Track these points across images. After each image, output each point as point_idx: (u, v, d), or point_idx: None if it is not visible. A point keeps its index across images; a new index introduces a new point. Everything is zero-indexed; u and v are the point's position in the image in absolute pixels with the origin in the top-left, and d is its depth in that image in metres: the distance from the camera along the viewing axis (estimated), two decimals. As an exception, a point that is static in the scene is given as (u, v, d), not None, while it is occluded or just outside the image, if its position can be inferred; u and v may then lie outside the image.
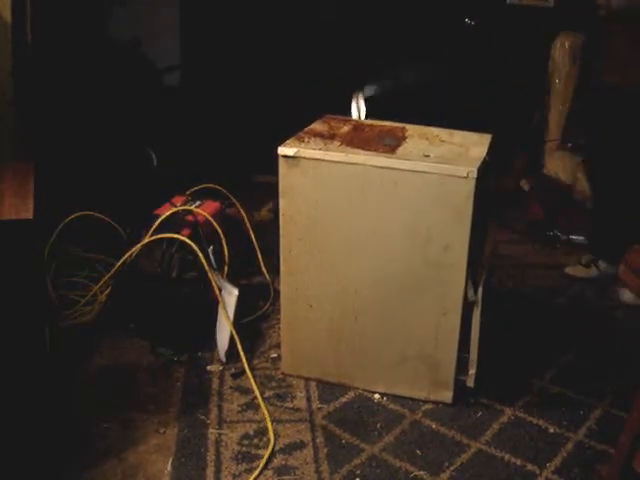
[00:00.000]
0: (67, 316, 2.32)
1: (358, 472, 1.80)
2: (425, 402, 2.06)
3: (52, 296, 2.32)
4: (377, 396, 2.08)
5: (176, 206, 2.39)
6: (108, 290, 2.35)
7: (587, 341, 2.41)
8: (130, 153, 2.74)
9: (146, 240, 2.26)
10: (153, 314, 2.20)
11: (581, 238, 3.02)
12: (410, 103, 3.42)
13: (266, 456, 1.83)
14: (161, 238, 2.25)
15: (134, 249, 2.27)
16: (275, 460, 1.83)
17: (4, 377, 1.65)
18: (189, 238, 2.23)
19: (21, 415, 1.70)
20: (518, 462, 1.88)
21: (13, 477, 1.69)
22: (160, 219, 2.30)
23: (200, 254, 2.17)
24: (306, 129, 2.14)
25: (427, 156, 1.95)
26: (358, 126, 2.22)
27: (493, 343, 2.30)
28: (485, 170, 1.94)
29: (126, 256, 2.28)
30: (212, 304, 2.19)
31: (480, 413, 2.04)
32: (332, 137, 2.07)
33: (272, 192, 3.14)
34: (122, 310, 2.28)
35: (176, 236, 2.24)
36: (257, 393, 2.04)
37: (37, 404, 1.72)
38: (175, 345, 2.13)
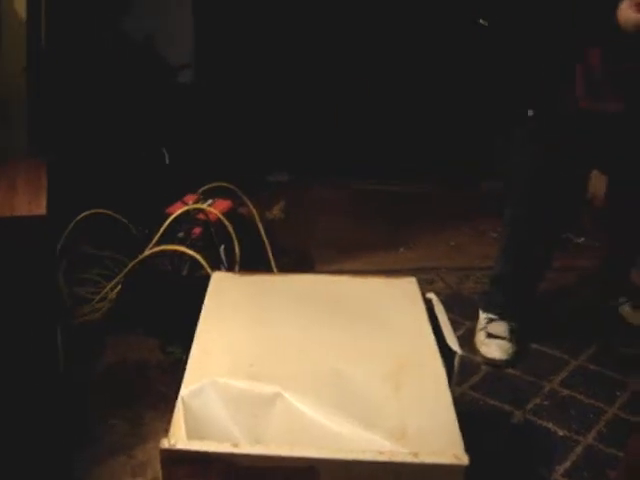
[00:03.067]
0: (78, 313, 2.33)
1: None
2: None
3: (64, 293, 2.33)
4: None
5: (188, 204, 2.39)
6: (119, 288, 2.36)
7: (599, 345, 2.39)
8: (142, 151, 2.74)
9: (159, 248, 2.27)
10: (163, 312, 2.21)
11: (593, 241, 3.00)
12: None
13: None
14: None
15: (151, 251, 2.27)
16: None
17: (15, 374, 1.66)
18: (200, 236, 2.24)
19: (31, 411, 1.71)
20: (528, 466, 1.87)
21: (23, 473, 1.70)
22: (171, 217, 2.31)
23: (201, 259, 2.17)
24: None
25: None
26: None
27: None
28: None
29: (141, 257, 2.29)
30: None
31: (489, 415, 2.04)
32: None
33: (284, 191, 3.19)
34: (132, 308, 2.29)
35: (182, 249, 2.24)
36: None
37: (47, 401, 1.72)
38: (185, 344, 2.13)
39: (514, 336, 2.32)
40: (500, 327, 2.31)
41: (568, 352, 2.34)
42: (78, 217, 2.44)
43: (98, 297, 2.38)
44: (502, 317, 2.32)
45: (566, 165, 2.16)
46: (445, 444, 1.29)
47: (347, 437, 1.30)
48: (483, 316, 2.36)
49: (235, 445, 1.27)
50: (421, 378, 1.45)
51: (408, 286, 1.77)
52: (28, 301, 1.64)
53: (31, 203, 1.67)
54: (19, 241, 1.59)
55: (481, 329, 2.33)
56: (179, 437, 1.29)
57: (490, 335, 2.29)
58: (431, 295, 1.73)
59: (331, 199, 3.25)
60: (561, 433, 1.99)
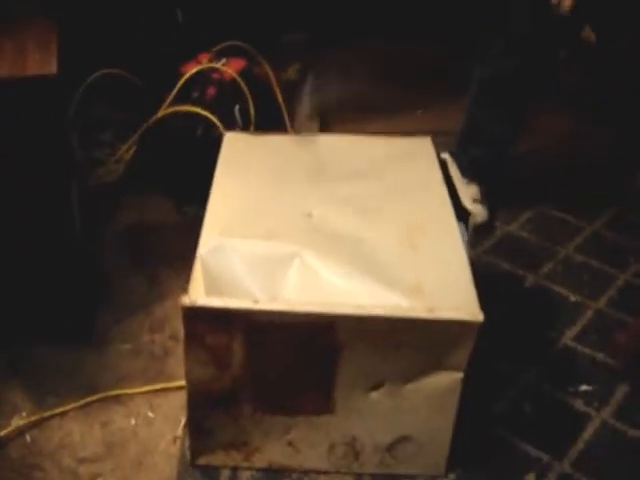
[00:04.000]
0: (94, 175, 2.33)
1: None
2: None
3: (79, 155, 2.32)
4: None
5: (202, 64, 2.34)
6: (134, 149, 2.35)
7: (615, 211, 2.37)
8: (155, 9, 2.66)
9: (174, 109, 2.24)
10: (178, 172, 2.20)
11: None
12: None
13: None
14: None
15: (166, 112, 2.24)
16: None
17: (32, 236, 1.68)
18: (215, 96, 2.21)
19: (51, 272, 1.73)
20: (538, 329, 1.91)
21: (48, 332, 1.75)
22: (185, 77, 2.27)
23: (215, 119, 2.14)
24: None
25: None
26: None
27: (520, 210, 2.29)
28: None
29: (156, 118, 2.26)
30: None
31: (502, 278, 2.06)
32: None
33: (299, 52, 3.10)
34: (148, 169, 2.28)
35: (196, 110, 2.20)
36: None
37: (66, 262, 1.75)
38: (200, 203, 2.13)
39: (485, 197, 2.29)
40: (473, 190, 2.27)
41: (584, 218, 2.33)
42: (90, 78, 2.39)
43: (113, 159, 2.38)
44: (472, 179, 2.28)
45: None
46: (461, 301, 1.31)
47: (364, 294, 1.32)
48: None
49: (255, 301, 1.29)
50: (437, 238, 1.46)
51: (423, 146, 1.75)
52: (42, 162, 1.63)
53: (42, 63, 1.62)
54: (31, 101, 1.56)
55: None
56: (199, 294, 1.31)
57: None
58: (445, 155, 1.71)
59: (347, 60, 3.16)
60: (573, 298, 2.01)
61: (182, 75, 2.29)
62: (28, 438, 1.56)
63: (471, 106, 2.27)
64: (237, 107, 2.23)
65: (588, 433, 1.64)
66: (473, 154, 2.25)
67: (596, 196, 2.43)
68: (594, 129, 2.76)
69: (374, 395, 1.39)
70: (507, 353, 1.81)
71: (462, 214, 1.54)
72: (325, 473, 1.50)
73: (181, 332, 1.33)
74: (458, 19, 3.22)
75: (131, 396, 1.67)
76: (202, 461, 1.50)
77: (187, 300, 1.29)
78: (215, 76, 2.32)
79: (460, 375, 1.35)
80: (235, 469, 1.50)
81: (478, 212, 2.23)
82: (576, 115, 2.82)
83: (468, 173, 2.23)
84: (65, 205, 1.73)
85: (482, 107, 2.22)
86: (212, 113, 2.19)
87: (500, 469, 1.55)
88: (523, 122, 2.26)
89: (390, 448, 1.46)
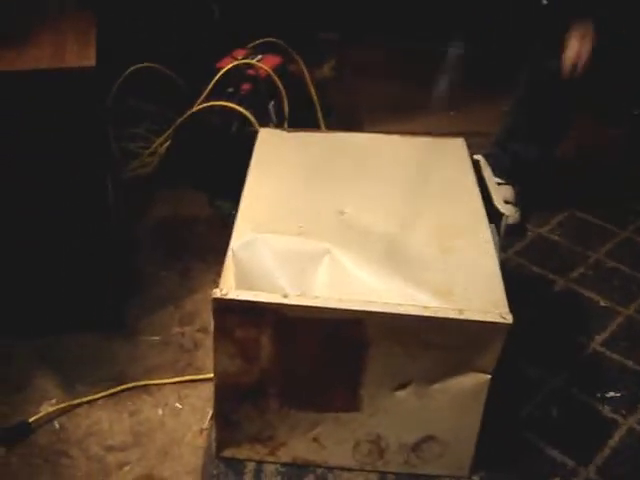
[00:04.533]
0: (128, 168, 2.35)
1: None
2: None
3: (113, 147, 2.34)
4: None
5: (237, 59, 2.35)
6: (168, 143, 2.36)
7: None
8: (191, 5, 2.68)
9: (209, 104, 2.25)
10: (212, 168, 2.22)
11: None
12: None
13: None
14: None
15: (200, 106, 2.26)
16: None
17: (68, 228, 1.69)
18: (249, 92, 2.22)
19: (85, 263, 1.75)
20: (567, 334, 1.90)
21: (81, 322, 1.78)
22: (221, 72, 2.28)
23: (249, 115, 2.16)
24: None
25: None
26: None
27: (552, 213, 2.27)
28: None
29: (190, 112, 2.28)
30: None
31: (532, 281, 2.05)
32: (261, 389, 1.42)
33: (334, 50, 3.11)
34: (182, 163, 2.30)
35: (231, 105, 2.21)
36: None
37: (100, 253, 1.76)
38: (233, 199, 2.14)
39: (519, 199, 2.28)
40: (507, 192, 2.26)
41: (616, 223, 2.31)
42: (127, 71, 2.42)
43: (148, 151, 2.40)
44: (507, 181, 2.26)
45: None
46: (490, 303, 1.31)
47: (394, 293, 1.32)
48: None
49: (285, 296, 1.30)
50: (468, 239, 1.46)
51: (456, 147, 1.75)
52: (78, 154, 1.64)
53: (80, 55, 1.64)
54: (69, 93, 1.58)
55: None
56: (229, 287, 1.33)
57: None
58: (478, 157, 1.71)
59: (382, 59, 3.16)
60: (603, 303, 2.00)
61: (217, 70, 2.31)
62: (57, 425, 1.59)
63: (515, 107, 2.25)
64: (272, 103, 2.23)
65: (614, 440, 1.63)
66: (514, 150, 2.24)
67: (628, 201, 2.42)
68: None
69: (400, 394, 1.39)
70: (535, 357, 1.80)
71: (494, 215, 1.53)
72: (349, 470, 1.51)
73: (211, 325, 1.34)
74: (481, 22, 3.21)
75: (159, 387, 1.68)
76: (227, 453, 1.51)
77: (218, 293, 1.30)
78: (250, 72, 2.32)
79: (487, 377, 1.35)
80: (260, 462, 1.51)
81: (510, 214, 2.21)
82: (609, 121, 2.80)
83: (506, 172, 2.22)
84: (101, 197, 1.74)
85: (527, 109, 2.20)
86: (246, 109, 2.20)
87: (525, 473, 1.55)
88: (569, 125, 2.23)
89: (415, 448, 1.46)
